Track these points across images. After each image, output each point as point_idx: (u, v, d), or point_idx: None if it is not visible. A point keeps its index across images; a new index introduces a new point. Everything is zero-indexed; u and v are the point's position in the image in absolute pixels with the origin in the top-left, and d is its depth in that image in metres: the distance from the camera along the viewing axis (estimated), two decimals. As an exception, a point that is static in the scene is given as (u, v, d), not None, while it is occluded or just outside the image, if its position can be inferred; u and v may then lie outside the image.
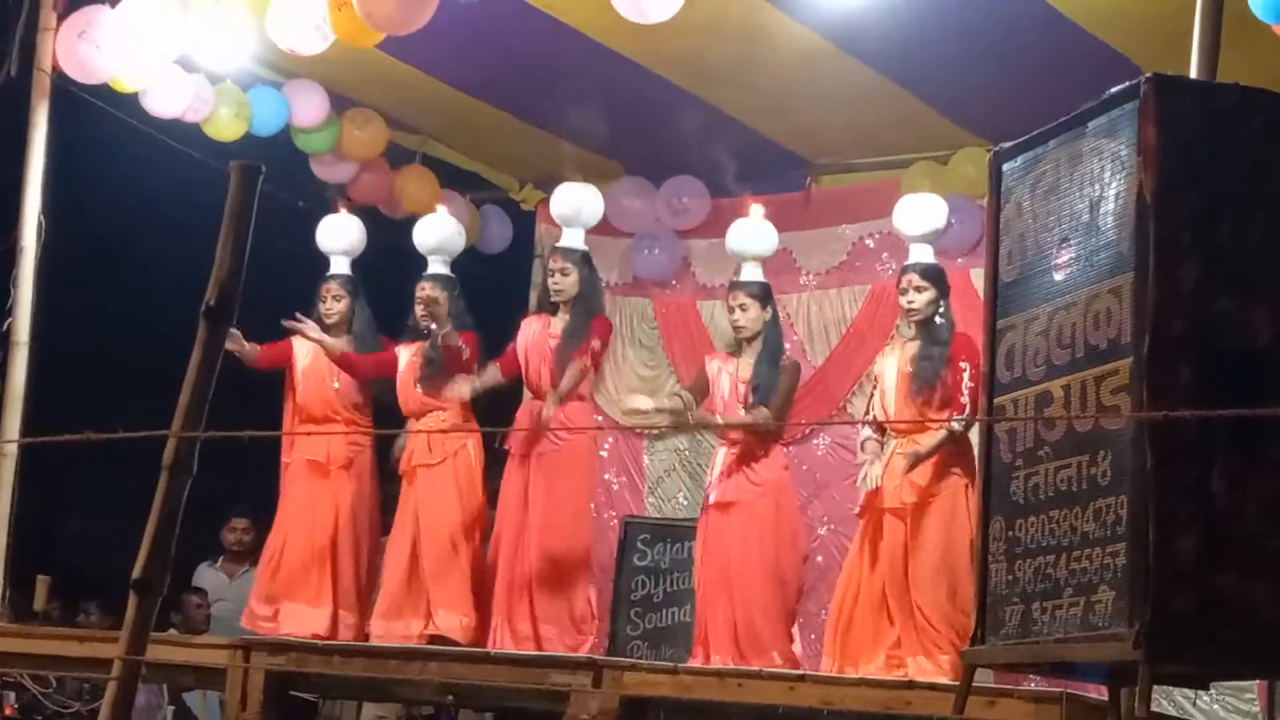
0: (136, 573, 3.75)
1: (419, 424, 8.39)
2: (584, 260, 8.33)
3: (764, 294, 8.00)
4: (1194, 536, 4.57)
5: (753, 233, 8.21)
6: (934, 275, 7.62)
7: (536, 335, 8.32)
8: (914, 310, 7.58)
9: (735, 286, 8.04)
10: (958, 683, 5.67)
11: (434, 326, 8.30)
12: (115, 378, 11.01)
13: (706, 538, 7.94)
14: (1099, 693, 5.90)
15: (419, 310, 8.40)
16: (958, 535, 7.32)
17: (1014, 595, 5.09)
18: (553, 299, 8.31)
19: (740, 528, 7.79)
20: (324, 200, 9.57)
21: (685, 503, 9.87)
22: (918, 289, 7.58)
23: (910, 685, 6.81)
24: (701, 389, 8.07)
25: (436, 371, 8.32)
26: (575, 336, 8.18)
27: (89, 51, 8.36)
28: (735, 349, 8.06)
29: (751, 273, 8.06)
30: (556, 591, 8.09)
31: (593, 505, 8.70)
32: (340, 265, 8.73)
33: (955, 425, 7.33)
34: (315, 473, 8.51)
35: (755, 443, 7.84)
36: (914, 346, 7.58)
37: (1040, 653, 5.02)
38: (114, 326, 11.35)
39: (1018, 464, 5.16)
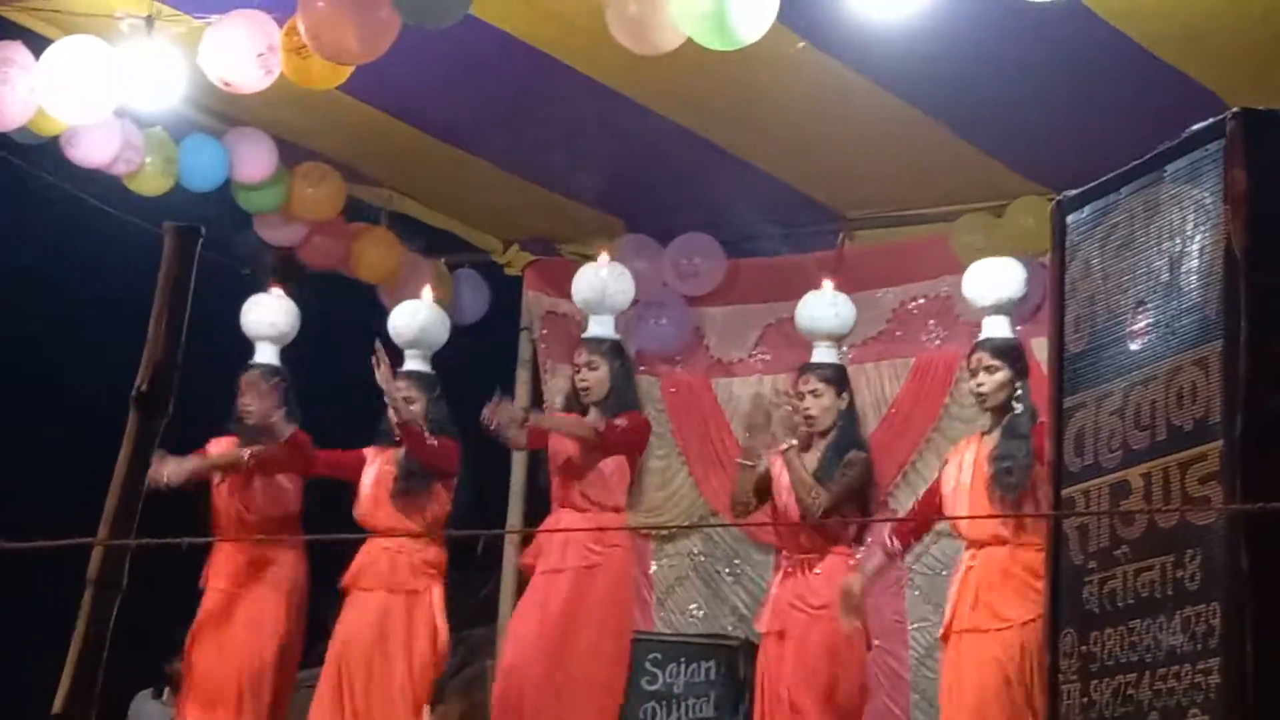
0: (57, 707, 3.74)
1: (385, 544, 8.37)
2: (614, 351, 8.31)
3: (839, 378, 8.02)
4: (1300, 650, 4.57)
5: (826, 308, 8.28)
6: (1007, 352, 7.53)
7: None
8: (984, 395, 7.53)
9: (807, 370, 8.06)
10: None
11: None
12: (32, 478, 11.00)
13: (759, 670, 7.92)
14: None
15: (392, 415, 8.37)
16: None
17: (1089, 722, 5.08)
18: (581, 399, 8.31)
19: (793, 661, 7.72)
20: (268, 267, 9.58)
21: (700, 615, 9.83)
22: (988, 369, 7.51)
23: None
24: (763, 489, 8.02)
25: (415, 486, 8.33)
26: None
27: (3, 93, 8.36)
28: (806, 443, 8.01)
29: (825, 354, 8.12)
30: None
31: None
32: (265, 353, 8.74)
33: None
34: (225, 600, 8.49)
35: (814, 556, 7.81)
36: (992, 441, 7.47)
37: (1121, 789, 5.01)
38: (30, 417, 11.35)
39: (1091, 567, 5.15)
